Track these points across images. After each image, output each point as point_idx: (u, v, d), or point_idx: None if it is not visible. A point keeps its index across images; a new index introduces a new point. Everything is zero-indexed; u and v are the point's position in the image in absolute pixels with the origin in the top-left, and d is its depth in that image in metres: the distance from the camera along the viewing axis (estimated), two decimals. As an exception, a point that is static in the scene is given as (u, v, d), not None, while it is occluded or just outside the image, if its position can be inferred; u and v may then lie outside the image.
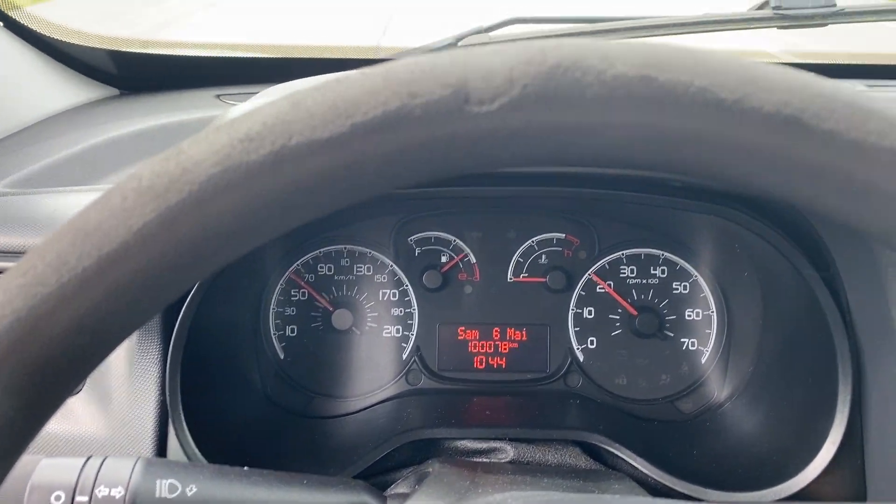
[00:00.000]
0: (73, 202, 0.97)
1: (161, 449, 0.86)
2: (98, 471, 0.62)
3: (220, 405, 0.96)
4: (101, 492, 0.61)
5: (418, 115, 0.33)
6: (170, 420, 0.85)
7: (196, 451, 0.85)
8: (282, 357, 1.10)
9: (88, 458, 0.63)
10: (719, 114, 0.33)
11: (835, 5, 1.48)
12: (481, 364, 1.12)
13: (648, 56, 0.33)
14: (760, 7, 1.53)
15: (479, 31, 1.53)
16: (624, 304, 1.11)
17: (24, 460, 0.61)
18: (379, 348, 1.11)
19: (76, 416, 0.86)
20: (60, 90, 1.42)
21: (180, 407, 0.84)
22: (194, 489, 0.64)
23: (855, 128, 0.33)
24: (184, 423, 0.84)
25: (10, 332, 0.32)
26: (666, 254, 1.11)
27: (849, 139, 0.33)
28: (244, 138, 0.33)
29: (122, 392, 0.86)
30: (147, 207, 0.33)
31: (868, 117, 0.33)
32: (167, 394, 0.85)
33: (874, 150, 0.33)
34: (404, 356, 1.11)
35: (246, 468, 0.70)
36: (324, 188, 0.35)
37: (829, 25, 1.52)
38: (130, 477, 0.62)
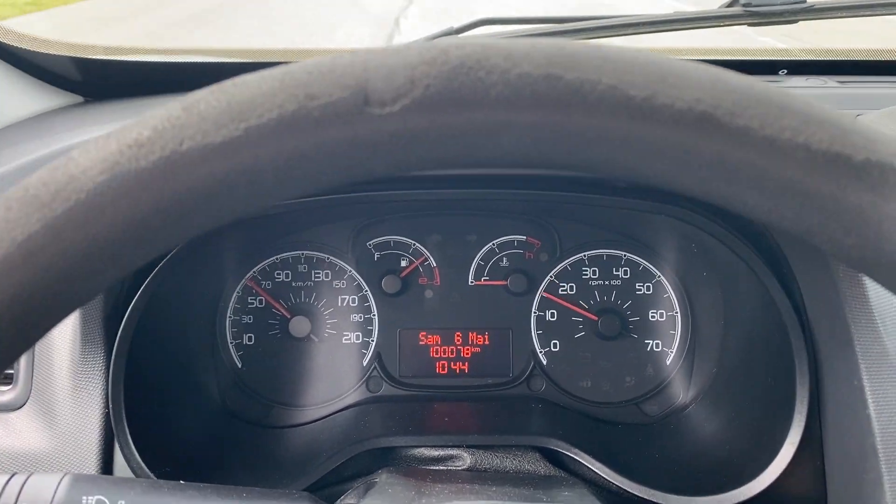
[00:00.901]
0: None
1: (107, 463, 0.84)
2: (20, 488, 0.60)
3: (172, 417, 0.95)
4: (23, 510, 0.59)
5: (316, 118, 0.32)
6: (114, 433, 0.83)
7: (142, 464, 0.83)
8: (239, 366, 1.09)
9: (12, 476, 0.61)
10: (629, 112, 0.31)
11: (804, 2, 1.47)
12: (443, 369, 1.10)
13: (554, 54, 0.32)
14: (730, 4, 1.52)
15: (449, 33, 1.52)
16: (581, 311, 1.09)
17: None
18: (339, 355, 1.10)
19: (19, 430, 0.84)
20: (21, 98, 1.40)
21: (124, 419, 0.83)
22: (123, 505, 0.62)
23: (769, 124, 0.32)
24: (128, 437, 0.82)
25: None
26: (628, 254, 1.10)
27: (763, 136, 0.31)
28: (133, 144, 0.32)
29: (67, 405, 0.84)
30: (32, 218, 0.32)
31: (782, 113, 0.32)
32: (110, 406, 0.83)
33: (789, 146, 0.32)
34: (364, 363, 1.10)
35: (182, 482, 0.68)
36: (221, 195, 0.33)
37: (800, 22, 1.52)
38: (55, 495, 0.61)
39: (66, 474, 0.62)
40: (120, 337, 0.83)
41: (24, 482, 0.61)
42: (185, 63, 1.65)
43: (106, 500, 0.62)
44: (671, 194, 0.93)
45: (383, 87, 0.32)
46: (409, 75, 0.32)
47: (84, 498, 0.61)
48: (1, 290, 0.32)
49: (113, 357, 0.83)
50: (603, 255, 1.10)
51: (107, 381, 0.84)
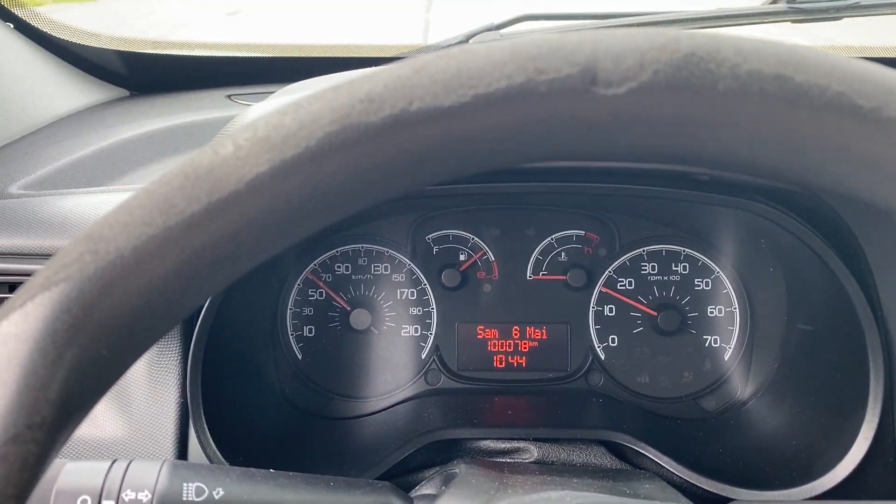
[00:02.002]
0: (86, 203, 0.96)
1: (182, 451, 0.85)
2: (124, 474, 0.61)
3: (240, 406, 0.95)
4: (128, 495, 0.59)
5: (542, 92, 0.32)
6: (191, 422, 0.84)
7: (217, 452, 0.83)
8: (300, 358, 1.09)
9: (114, 462, 0.62)
10: (854, 122, 0.31)
11: (850, -2, 1.47)
12: (501, 363, 1.11)
13: (784, 55, 0.32)
14: (774, 1, 1.52)
15: (490, 29, 1.52)
16: (640, 307, 1.09)
17: (49, 464, 0.60)
18: (397, 348, 1.10)
19: (96, 419, 0.85)
20: (71, 92, 1.41)
21: (201, 409, 0.83)
22: (221, 492, 0.63)
23: None
24: (205, 425, 0.83)
25: (112, 270, 0.32)
26: (687, 250, 1.10)
27: None
28: (364, 99, 0.33)
29: (143, 394, 0.85)
30: (261, 158, 0.32)
31: None
32: (188, 395, 0.83)
33: None
34: (423, 356, 1.10)
35: (271, 470, 0.68)
36: (437, 158, 0.34)
37: (844, 19, 1.51)
38: (157, 480, 0.61)
39: (165, 461, 0.63)
40: (198, 328, 0.84)
41: (127, 468, 0.61)
42: (229, 57, 1.66)
43: (205, 487, 0.62)
44: (740, 187, 0.93)
45: (611, 68, 0.32)
46: (640, 59, 0.32)
47: (185, 485, 0.61)
48: (225, 223, 0.33)
49: (191, 347, 0.83)
50: (662, 251, 1.10)
51: (182, 371, 0.85)
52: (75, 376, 0.31)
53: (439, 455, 0.94)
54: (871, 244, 0.87)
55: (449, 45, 1.50)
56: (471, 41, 1.46)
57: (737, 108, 0.32)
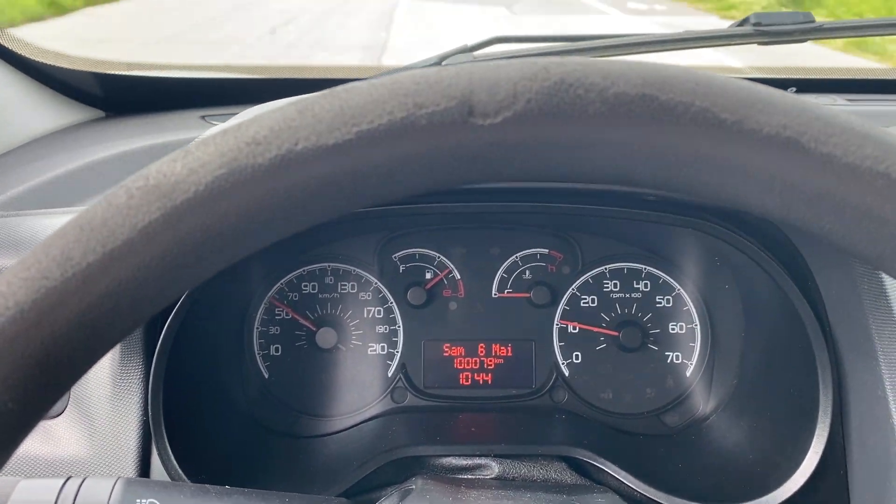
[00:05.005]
0: (54, 224, 0.97)
1: (144, 469, 0.85)
2: (77, 491, 0.62)
3: (204, 424, 0.96)
4: (81, 512, 0.60)
5: (423, 125, 0.34)
6: (153, 439, 0.85)
7: (179, 470, 0.84)
8: (266, 376, 1.10)
9: (67, 479, 0.63)
10: (719, 134, 0.33)
11: (814, 21, 1.50)
12: (467, 380, 1.12)
13: (649, 75, 0.34)
14: (741, 24, 1.55)
15: (463, 51, 1.55)
16: (603, 324, 1.11)
17: (2, 482, 0.61)
18: (364, 366, 1.11)
19: (58, 437, 0.85)
20: (46, 113, 1.43)
21: (163, 426, 0.84)
22: (175, 509, 0.64)
23: (851, 152, 0.33)
24: (167, 443, 0.84)
25: (12, 325, 0.33)
26: (648, 268, 1.12)
27: (845, 163, 0.33)
28: (251, 141, 0.34)
29: (105, 412, 0.86)
30: (153, 206, 0.34)
31: (864, 142, 0.34)
32: (150, 412, 0.84)
33: (869, 174, 0.33)
34: (389, 374, 1.11)
35: (227, 487, 0.69)
36: (326, 194, 0.35)
37: (809, 41, 1.55)
38: (110, 497, 0.62)
39: (119, 478, 0.64)
40: (160, 344, 0.85)
41: (80, 486, 0.62)
42: (202, 79, 1.68)
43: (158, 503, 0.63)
44: (694, 207, 0.96)
45: (487, 100, 0.34)
46: (512, 89, 0.34)
47: (138, 501, 0.62)
48: (122, 272, 0.34)
49: (153, 364, 0.85)
50: (624, 269, 1.12)
51: (145, 389, 0.86)
52: None
53: (403, 473, 0.95)
54: (818, 264, 0.89)
55: (424, 66, 1.53)
56: (444, 63, 1.48)
57: (608, 129, 0.34)
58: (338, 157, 0.34)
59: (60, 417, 0.86)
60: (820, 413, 0.87)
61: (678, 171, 0.35)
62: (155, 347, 0.85)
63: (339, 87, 0.35)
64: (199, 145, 0.35)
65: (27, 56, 1.40)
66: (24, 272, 0.33)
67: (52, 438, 0.85)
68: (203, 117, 1.45)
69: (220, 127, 0.36)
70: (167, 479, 0.84)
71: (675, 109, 0.33)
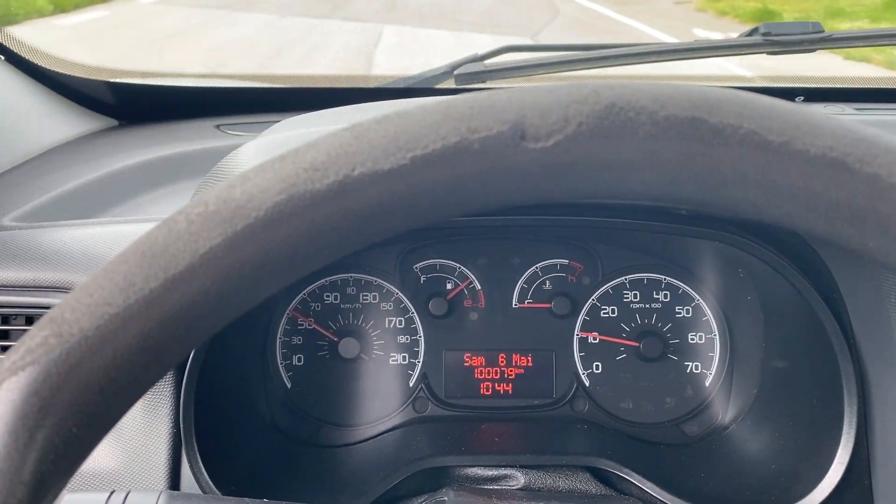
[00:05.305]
0: (79, 235, 0.98)
1: (174, 481, 0.86)
2: (122, 505, 0.62)
3: (231, 436, 0.96)
4: (127, 527, 0.61)
5: (476, 150, 0.35)
6: (183, 452, 0.85)
7: (209, 482, 0.84)
8: (289, 386, 1.10)
9: (112, 493, 0.63)
10: (766, 156, 0.34)
11: (823, 31, 1.52)
12: (487, 390, 1.12)
13: (698, 98, 0.35)
14: (750, 34, 1.56)
15: (474, 60, 1.56)
16: (623, 334, 1.12)
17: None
18: (386, 376, 1.12)
19: (89, 450, 0.86)
20: (60, 122, 1.43)
21: (194, 439, 0.85)
22: (216, 522, 0.64)
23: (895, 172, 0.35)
24: (198, 455, 0.84)
25: (77, 351, 0.33)
26: (668, 279, 1.12)
27: (890, 183, 0.34)
28: (309, 168, 0.35)
29: (135, 425, 0.86)
30: (213, 232, 0.35)
31: None
32: (181, 425, 0.85)
33: None
34: (411, 384, 1.12)
35: (265, 500, 0.70)
36: (381, 217, 0.36)
37: (818, 51, 1.56)
38: (154, 511, 0.62)
39: (163, 491, 0.64)
40: (191, 358, 0.85)
41: (125, 499, 0.63)
42: (216, 88, 1.69)
43: (201, 518, 0.64)
44: (717, 219, 0.96)
45: (539, 123, 0.35)
46: (563, 113, 0.35)
47: (182, 515, 0.63)
48: (183, 296, 0.35)
49: (184, 378, 0.85)
50: (644, 279, 1.13)
51: (175, 402, 0.86)
52: (48, 456, 0.33)
53: (427, 483, 0.95)
54: (842, 275, 0.90)
55: (433, 75, 1.54)
56: (455, 72, 1.49)
57: (657, 151, 0.35)
58: (393, 182, 0.35)
59: (91, 430, 0.86)
60: (845, 423, 0.87)
61: (724, 190, 0.36)
62: (184, 362, 0.86)
63: (393, 112, 0.36)
64: (257, 171, 0.36)
65: (42, 65, 1.40)
66: (87, 298, 0.34)
67: (83, 451, 0.85)
68: (217, 126, 1.45)
69: (277, 153, 0.37)
70: (198, 490, 0.84)
71: (724, 132, 0.34)
